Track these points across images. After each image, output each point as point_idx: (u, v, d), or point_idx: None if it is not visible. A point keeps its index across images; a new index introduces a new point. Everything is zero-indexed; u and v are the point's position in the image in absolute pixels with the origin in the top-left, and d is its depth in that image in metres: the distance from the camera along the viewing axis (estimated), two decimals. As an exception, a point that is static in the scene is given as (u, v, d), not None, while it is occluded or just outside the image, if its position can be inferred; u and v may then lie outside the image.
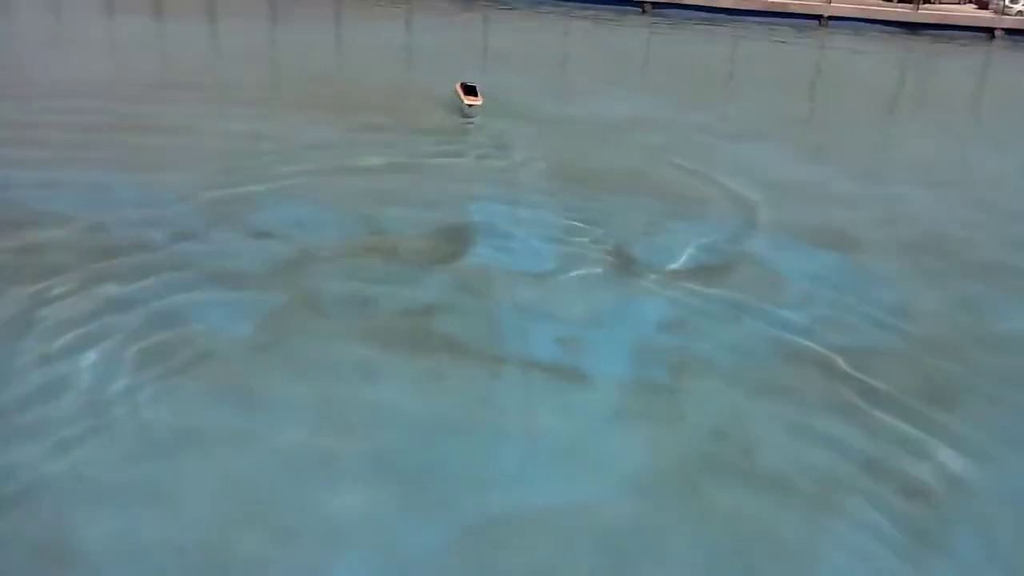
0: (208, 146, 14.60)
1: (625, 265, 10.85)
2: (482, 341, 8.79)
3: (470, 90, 18.06)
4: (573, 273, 10.49)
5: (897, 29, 41.54)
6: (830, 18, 42.43)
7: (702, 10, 43.01)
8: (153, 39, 27.68)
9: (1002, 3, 42.36)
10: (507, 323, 9.21)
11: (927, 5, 44.32)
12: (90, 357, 7.88)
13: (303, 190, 12.66)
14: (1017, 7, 41.63)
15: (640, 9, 43.32)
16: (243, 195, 12.26)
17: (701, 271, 10.79)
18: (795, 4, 44.37)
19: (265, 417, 7.33)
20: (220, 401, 7.51)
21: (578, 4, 42.82)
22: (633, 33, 38.70)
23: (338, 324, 8.95)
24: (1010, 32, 40.75)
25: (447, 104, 18.21)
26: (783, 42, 37.11)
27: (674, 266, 10.87)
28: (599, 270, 10.66)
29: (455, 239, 11.27)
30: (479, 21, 39.16)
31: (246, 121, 16.17)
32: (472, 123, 17.22)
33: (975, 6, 44.16)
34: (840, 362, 8.73)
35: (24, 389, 7.39)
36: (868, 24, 41.54)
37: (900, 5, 44.58)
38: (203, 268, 9.91)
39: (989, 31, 41.25)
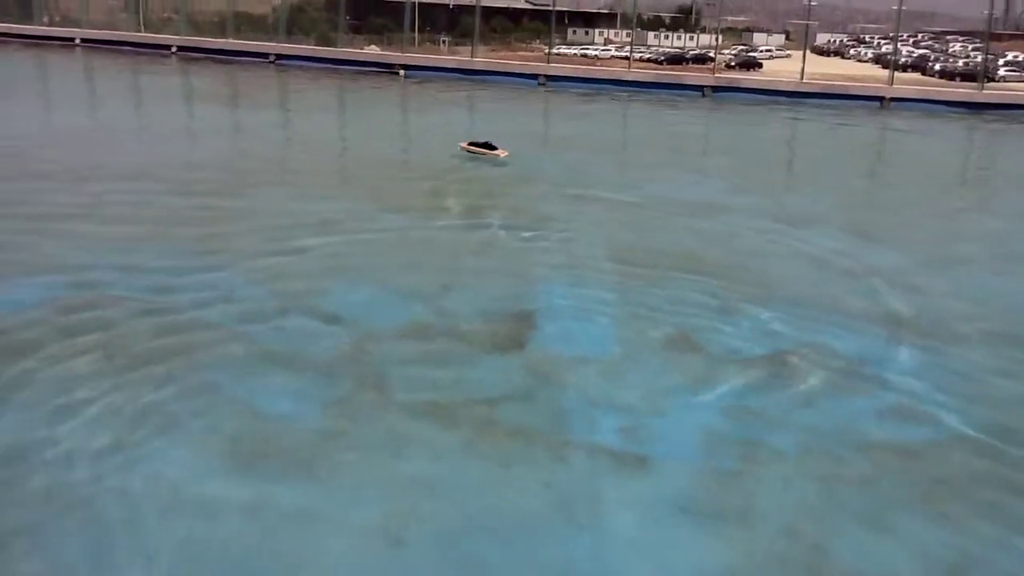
0: (274, 228, 14.99)
1: (691, 350, 10.73)
2: (547, 427, 8.70)
3: (485, 145, 19.47)
4: (638, 358, 10.41)
5: (961, 109, 41.27)
6: (892, 99, 42.39)
7: (763, 93, 43.40)
8: (227, 127, 28.77)
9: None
10: (572, 409, 9.12)
11: (991, 84, 44.04)
12: (161, 440, 7.99)
13: (369, 272, 12.90)
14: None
15: (700, 93, 43.86)
16: (309, 277, 12.54)
17: (769, 357, 10.61)
18: (855, 86, 44.52)
19: (332, 499, 7.32)
20: (288, 482, 7.52)
21: (641, 88, 43.57)
22: (693, 116, 39.08)
23: (403, 407, 8.96)
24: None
25: (513, 185, 18.50)
26: (845, 124, 37.06)
27: (741, 351, 10.73)
28: (665, 355, 10.56)
29: (517, 321, 11.30)
30: (541, 102, 40.01)
31: (314, 203, 16.60)
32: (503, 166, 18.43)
33: (1040, 85, 43.84)
34: (918, 454, 8.44)
35: (90, 472, 7.50)
36: (931, 105, 41.39)
37: (963, 85, 44.37)
38: (270, 350, 10.06)
39: (1056, 111, 40.77)
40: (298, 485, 7.52)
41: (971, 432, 8.96)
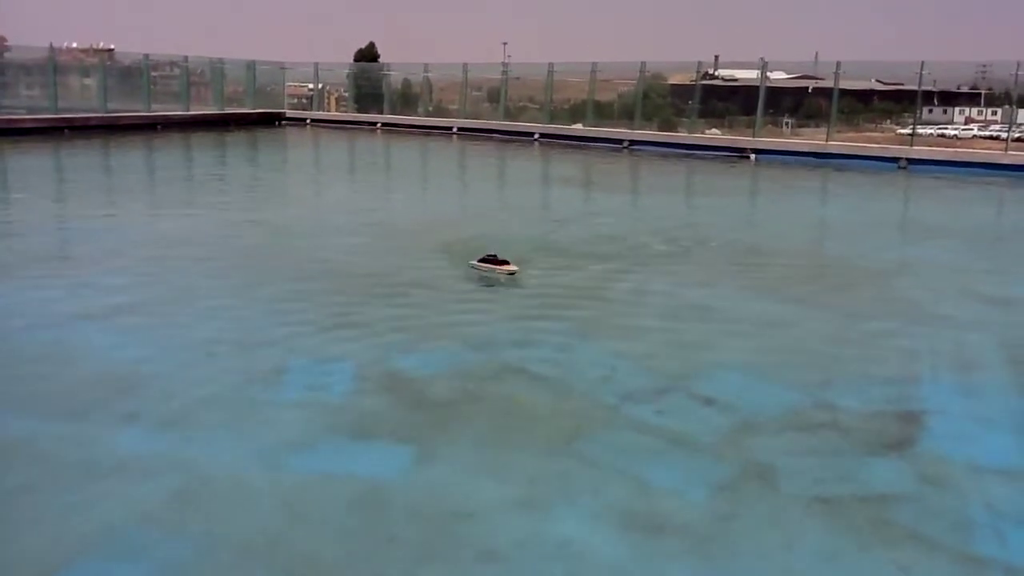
0: (656, 313, 15.62)
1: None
2: (948, 537, 8.23)
3: (497, 260, 17.78)
4: (1052, 472, 9.54)
5: None
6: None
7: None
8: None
9: None
10: (975, 520, 8.55)
11: None
12: (560, 510, 8.63)
13: (745, 357, 13.04)
14: None
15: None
16: (691, 362, 12.93)
17: None
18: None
19: (726, 587, 7.47)
20: (683, 565, 7.79)
21: (1020, 173, 40.05)
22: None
23: (789, 501, 8.92)
24: None
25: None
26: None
27: None
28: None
29: (903, 420, 10.82)
30: (902, 187, 37.99)
31: (687, 288, 17.08)
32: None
33: None
34: None
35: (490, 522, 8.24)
36: None
37: None
38: (655, 431, 10.48)
39: None
40: (694, 565, 7.74)
41: None
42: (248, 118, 63.86)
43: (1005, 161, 41.50)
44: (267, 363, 12.34)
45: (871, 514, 8.65)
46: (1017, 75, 47.40)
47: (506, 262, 17.91)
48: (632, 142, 51.42)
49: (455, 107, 65.97)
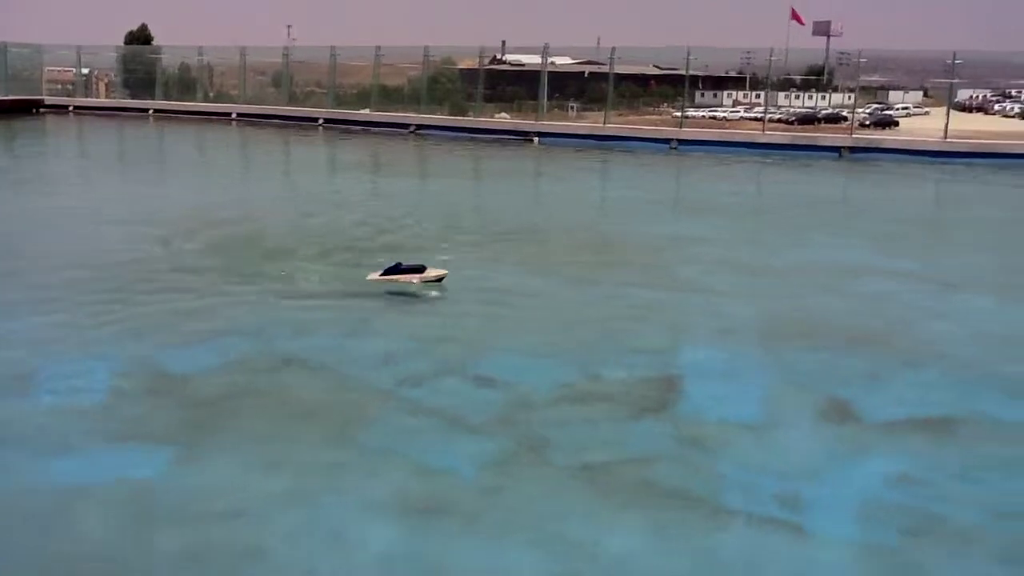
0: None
1: (848, 419, 10.63)
2: (702, 493, 8.78)
3: (410, 269, 15.61)
4: (794, 426, 10.39)
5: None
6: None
7: (905, 153, 42.46)
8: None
9: None
10: (726, 476, 9.17)
11: None
12: (328, 499, 8.51)
13: (519, 337, 13.34)
14: None
15: (836, 154, 43.24)
16: (468, 343, 13.07)
17: (927, 424, 10.41)
18: (1007, 144, 43.03)
19: (498, 558, 7.62)
20: (451, 540, 7.87)
21: (775, 150, 43.28)
22: (833, 177, 38.51)
23: (559, 471, 9.23)
24: None
25: (670, 249, 18.64)
26: (998, 184, 35.80)
27: (899, 419, 10.56)
28: (820, 423, 10.50)
29: (666, 387, 11.45)
30: (674, 166, 40.22)
31: (466, 270, 17.22)
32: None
33: None
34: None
35: (262, 516, 8.05)
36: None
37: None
38: (430, 412, 10.53)
39: None
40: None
41: None
42: (-1, 106, 58.04)
43: (762, 140, 44.92)
44: (10, 368, 11.52)
45: (633, 476, 9.10)
46: (771, 61, 51.45)
47: (422, 268, 15.69)
48: (419, 126, 51.41)
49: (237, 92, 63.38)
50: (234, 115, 58.21)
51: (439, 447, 9.66)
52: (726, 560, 7.72)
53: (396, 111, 55.12)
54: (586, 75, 60.40)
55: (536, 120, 50.62)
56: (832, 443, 10.03)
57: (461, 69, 62.05)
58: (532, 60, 60.28)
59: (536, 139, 47.33)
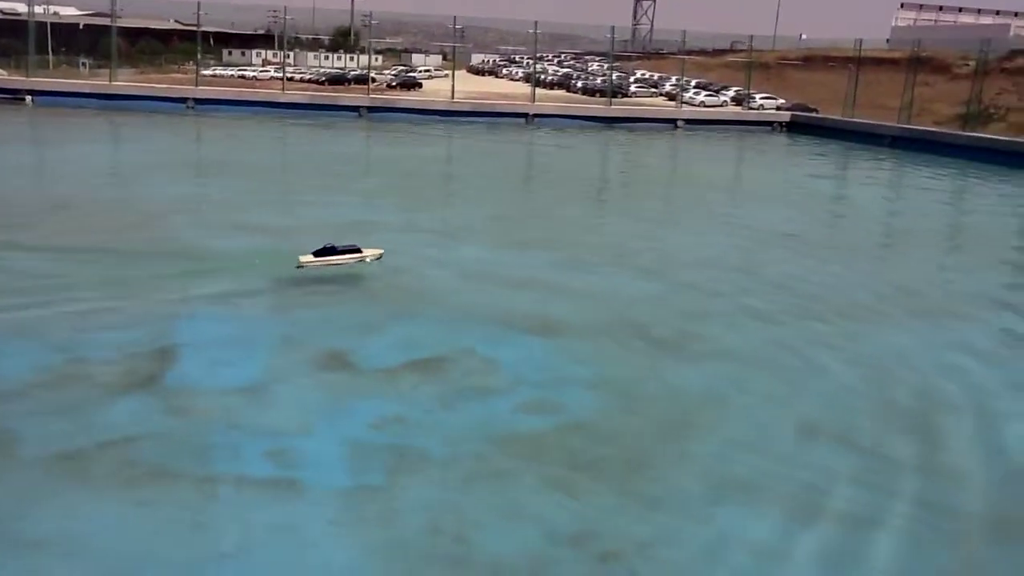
0: None
1: (340, 366, 11.01)
2: (189, 464, 8.49)
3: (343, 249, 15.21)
4: (289, 382, 10.52)
5: (595, 123, 45.91)
6: (536, 115, 46.38)
7: (417, 112, 45.16)
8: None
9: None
10: (217, 440, 8.97)
11: (625, 99, 49.37)
12: None
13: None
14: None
15: (356, 113, 44.65)
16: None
17: (415, 366, 11.16)
18: (502, 104, 47.82)
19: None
20: None
21: (297, 110, 43.34)
22: (349, 136, 39.63)
23: (35, 462, 8.37)
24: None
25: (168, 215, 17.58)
26: (491, 140, 39.55)
27: (396, 364, 11.17)
28: (317, 375, 10.74)
29: (155, 358, 10.92)
30: (189, 127, 38.36)
31: None
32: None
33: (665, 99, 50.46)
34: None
35: None
36: (569, 120, 45.79)
37: (596, 100, 49.46)
38: None
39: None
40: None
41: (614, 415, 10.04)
42: None
43: (283, 100, 44.71)
44: None
45: (115, 458, 8.52)
46: (286, 21, 51.54)
47: (356, 248, 15.07)
48: None
49: None
50: None
51: None
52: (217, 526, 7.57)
53: None
54: (81, 27, 54.76)
55: (27, 77, 44.61)
56: (321, 394, 10.28)
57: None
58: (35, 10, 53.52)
59: (29, 98, 41.80)
